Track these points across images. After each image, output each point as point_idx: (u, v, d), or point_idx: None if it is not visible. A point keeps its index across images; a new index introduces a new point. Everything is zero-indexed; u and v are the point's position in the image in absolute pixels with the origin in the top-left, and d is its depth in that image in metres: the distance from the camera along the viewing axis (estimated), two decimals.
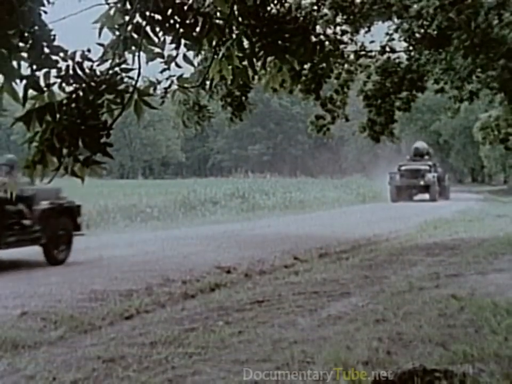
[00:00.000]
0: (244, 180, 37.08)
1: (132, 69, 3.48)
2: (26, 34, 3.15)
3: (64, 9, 3.74)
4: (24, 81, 3.21)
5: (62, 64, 3.29)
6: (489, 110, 23.83)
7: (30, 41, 3.17)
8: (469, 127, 45.14)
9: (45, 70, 3.26)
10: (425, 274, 9.06)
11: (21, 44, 3.16)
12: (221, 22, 3.94)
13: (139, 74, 3.52)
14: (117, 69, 3.42)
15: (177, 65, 3.99)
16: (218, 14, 3.92)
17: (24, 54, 3.20)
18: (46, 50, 3.23)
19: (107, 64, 3.47)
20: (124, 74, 3.40)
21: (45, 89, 3.26)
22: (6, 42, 2.99)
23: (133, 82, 3.45)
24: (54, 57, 3.24)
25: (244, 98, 13.04)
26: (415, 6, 13.14)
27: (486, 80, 14.36)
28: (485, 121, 21.17)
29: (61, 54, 3.26)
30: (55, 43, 3.25)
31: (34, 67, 3.22)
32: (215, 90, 11.99)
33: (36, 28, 3.18)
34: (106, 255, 11.55)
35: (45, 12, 3.18)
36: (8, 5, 2.96)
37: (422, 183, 34.87)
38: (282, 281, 8.95)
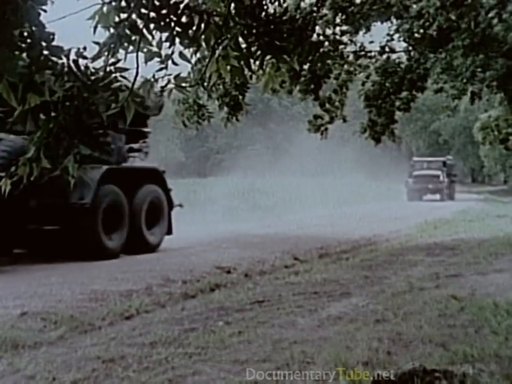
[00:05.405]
0: (243, 179, 37.00)
1: (127, 69, 3.46)
2: (25, 33, 3.12)
3: (57, 8, 3.71)
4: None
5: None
6: (489, 110, 23.83)
7: (29, 41, 3.13)
8: (468, 127, 45.20)
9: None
10: (426, 275, 9.05)
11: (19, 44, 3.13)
12: (217, 20, 3.92)
13: (137, 74, 3.51)
14: (112, 67, 3.40)
15: (174, 63, 3.97)
16: (215, 12, 3.91)
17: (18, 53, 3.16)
18: (45, 51, 3.19)
19: (101, 62, 3.46)
20: (118, 74, 3.38)
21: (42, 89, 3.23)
22: (9, 41, 2.96)
23: (127, 81, 3.44)
24: (53, 58, 3.21)
25: (241, 97, 13.00)
26: (415, 6, 13.14)
27: (486, 80, 14.36)
28: (484, 121, 21.19)
29: None
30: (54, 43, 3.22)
31: (34, 68, 3.18)
32: (214, 90, 11.95)
33: (35, 27, 3.15)
34: None
35: (44, 11, 3.15)
36: (12, 4, 2.94)
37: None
38: (282, 281, 8.94)
